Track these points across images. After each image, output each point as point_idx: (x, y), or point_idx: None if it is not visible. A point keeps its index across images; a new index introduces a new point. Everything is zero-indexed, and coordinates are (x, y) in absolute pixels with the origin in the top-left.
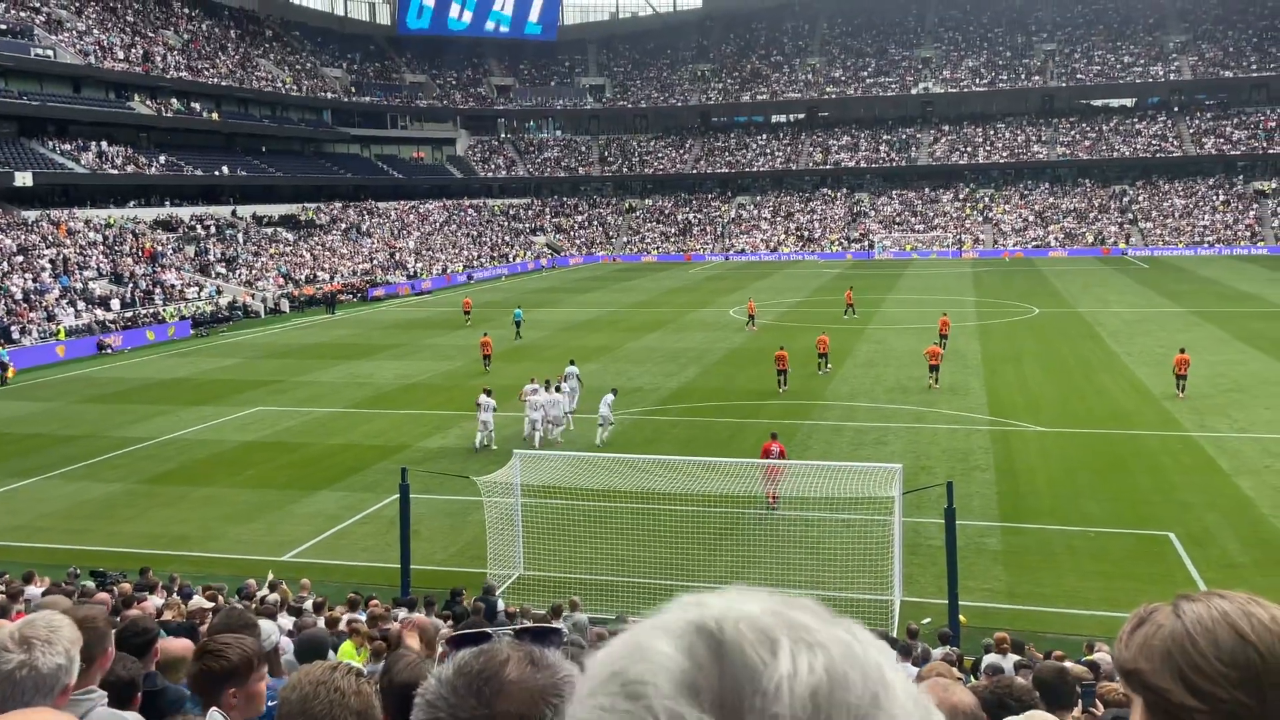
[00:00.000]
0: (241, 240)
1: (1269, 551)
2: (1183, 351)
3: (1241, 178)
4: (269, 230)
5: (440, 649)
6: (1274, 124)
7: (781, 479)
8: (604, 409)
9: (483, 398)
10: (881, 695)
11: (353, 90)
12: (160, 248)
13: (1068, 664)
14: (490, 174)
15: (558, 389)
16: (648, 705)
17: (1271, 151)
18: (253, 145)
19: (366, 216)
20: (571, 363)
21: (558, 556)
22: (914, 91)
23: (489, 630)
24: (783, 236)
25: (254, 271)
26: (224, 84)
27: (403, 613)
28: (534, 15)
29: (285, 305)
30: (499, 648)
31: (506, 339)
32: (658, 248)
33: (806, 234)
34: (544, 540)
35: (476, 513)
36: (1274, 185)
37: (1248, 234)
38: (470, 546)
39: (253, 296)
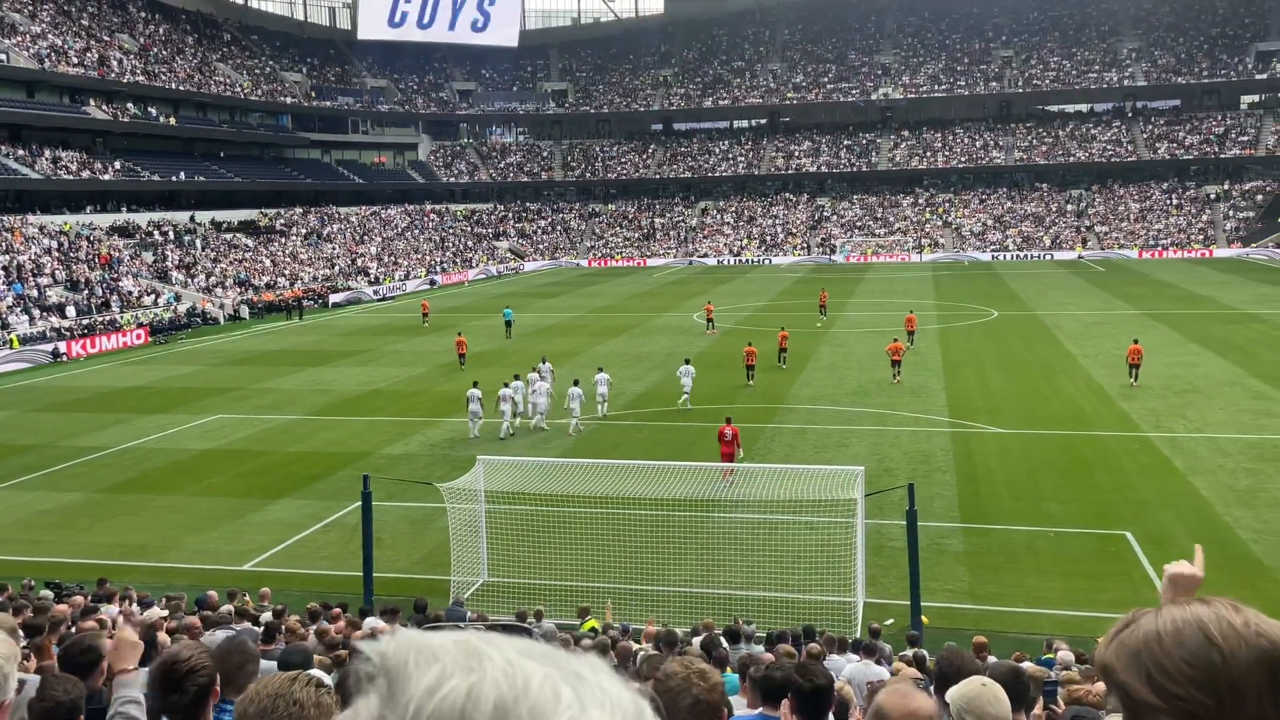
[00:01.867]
0: (200, 246)
1: (1223, 549)
2: (1136, 343)
3: (1194, 182)
4: (228, 236)
5: None
6: (1225, 129)
7: (735, 475)
8: (686, 380)
9: (473, 390)
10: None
11: (313, 95)
12: (117, 254)
13: (1026, 664)
14: (453, 179)
15: (576, 382)
16: None
17: (1223, 156)
18: (211, 150)
19: (327, 222)
20: (543, 360)
21: (523, 562)
22: (874, 97)
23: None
24: (745, 241)
25: (213, 278)
26: (181, 88)
27: (369, 621)
28: (496, 23)
29: (245, 312)
30: None
31: (496, 338)
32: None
33: (769, 239)
34: (509, 546)
35: (440, 519)
36: (1226, 189)
37: (1201, 238)
38: (434, 553)
39: (212, 303)
